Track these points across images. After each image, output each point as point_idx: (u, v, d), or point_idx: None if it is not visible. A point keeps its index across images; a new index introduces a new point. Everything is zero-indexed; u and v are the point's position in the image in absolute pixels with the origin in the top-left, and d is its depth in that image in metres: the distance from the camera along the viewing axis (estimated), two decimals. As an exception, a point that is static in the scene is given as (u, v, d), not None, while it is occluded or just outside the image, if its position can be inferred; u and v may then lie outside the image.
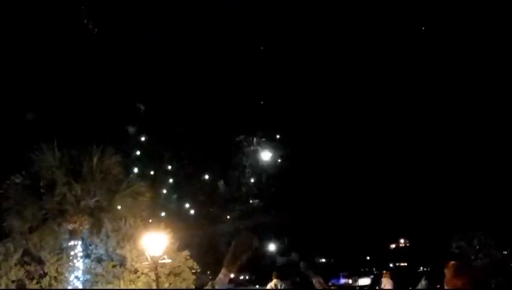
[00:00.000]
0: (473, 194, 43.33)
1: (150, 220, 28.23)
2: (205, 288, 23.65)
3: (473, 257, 41.76)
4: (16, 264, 24.56)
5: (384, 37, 41.58)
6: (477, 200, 43.15)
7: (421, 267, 48.24)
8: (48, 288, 24.59)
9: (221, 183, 41.14)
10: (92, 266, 26.10)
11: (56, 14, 33.09)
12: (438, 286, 17.43)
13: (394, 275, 30.71)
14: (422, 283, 18.45)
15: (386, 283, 29.32)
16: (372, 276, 38.65)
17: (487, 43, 40.48)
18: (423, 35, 41.10)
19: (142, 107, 37.78)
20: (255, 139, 42.14)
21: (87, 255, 26.23)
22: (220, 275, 12.00)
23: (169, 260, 25.22)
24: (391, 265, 50.97)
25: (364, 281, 46.08)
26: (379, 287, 29.95)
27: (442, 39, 41.03)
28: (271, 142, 42.68)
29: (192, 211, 39.58)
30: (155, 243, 22.66)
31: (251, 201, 42.21)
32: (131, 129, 37.49)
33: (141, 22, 37.31)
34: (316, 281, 16.08)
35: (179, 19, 38.40)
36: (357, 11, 40.71)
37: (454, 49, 41.36)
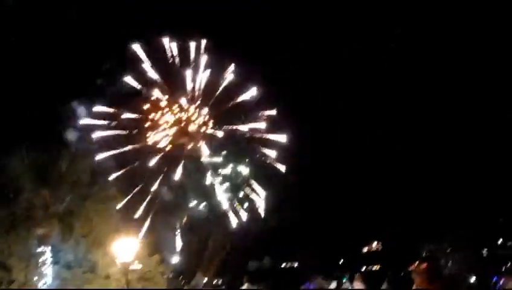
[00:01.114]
0: (444, 197, 43.69)
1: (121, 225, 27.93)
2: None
3: (443, 260, 42.10)
4: (-17, 272, 24.18)
5: (384, 37, 41.77)
6: (450, 203, 43.51)
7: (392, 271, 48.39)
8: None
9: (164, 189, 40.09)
10: (61, 273, 25.78)
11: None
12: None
13: (366, 279, 30.66)
14: (384, 286, 18.51)
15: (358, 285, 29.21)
16: (337, 280, 38.30)
17: (486, 42, 40.80)
18: (423, 35, 41.34)
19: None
20: None
21: (56, 262, 25.89)
22: (197, 278, 11.95)
23: (140, 266, 25.05)
24: (363, 269, 51.14)
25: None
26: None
27: (441, 39, 41.31)
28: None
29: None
30: (126, 248, 22.42)
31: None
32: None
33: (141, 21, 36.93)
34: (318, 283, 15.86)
35: (179, 19, 38.14)
36: (357, 11, 40.88)
37: (453, 49, 41.59)
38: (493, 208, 44.14)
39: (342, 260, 51.82)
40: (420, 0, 41.52)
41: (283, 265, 50.18)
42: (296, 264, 50.73)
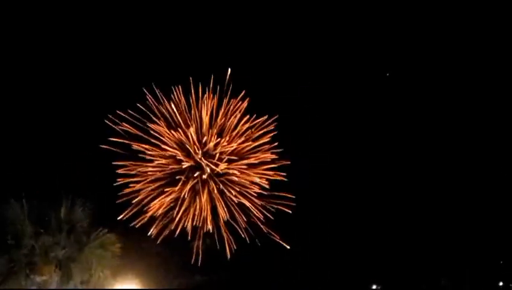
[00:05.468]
0: (443, 238, 43.59)
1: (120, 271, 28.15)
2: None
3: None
4: (-19, 320, 24.27)
5: (384, 37, 41.75)
6: (446, 247, 43.38)
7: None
8: None
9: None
10: (61, 319, 25.87)
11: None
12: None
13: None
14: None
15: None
16: None
17: (487, 42, 40.76)
18: (422, 35, 41.32)
19: None
20: None
21: (55, 308, 26.02)
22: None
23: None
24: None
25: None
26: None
27: (441, 39, 41.24)
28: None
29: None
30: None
31: None
32: None
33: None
34: None
35: (178, 18, 38.26)
36: (357, 12, 40.93)
37: (453, 49, 41.51)
38: (493, 250, 44.07)
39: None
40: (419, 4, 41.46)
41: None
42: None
